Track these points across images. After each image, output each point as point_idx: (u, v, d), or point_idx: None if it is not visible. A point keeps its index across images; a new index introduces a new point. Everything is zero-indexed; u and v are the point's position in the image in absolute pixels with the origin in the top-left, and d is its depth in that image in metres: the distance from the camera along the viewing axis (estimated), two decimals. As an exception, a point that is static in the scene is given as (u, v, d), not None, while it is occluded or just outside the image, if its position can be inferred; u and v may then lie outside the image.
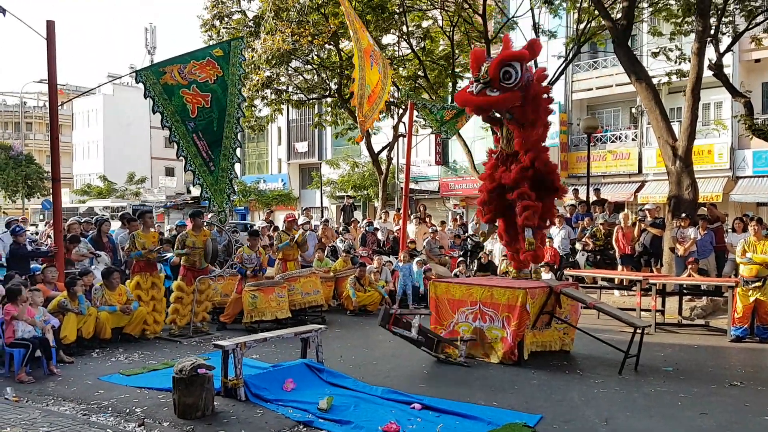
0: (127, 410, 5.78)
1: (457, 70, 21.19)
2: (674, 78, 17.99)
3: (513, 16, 20.69)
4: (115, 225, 13.41)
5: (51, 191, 10.44)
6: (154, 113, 8.88)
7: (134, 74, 9.14)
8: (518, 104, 7.64)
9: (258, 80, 20.54)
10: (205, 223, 10.20)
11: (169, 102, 8.76)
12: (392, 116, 23.50)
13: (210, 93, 9.00)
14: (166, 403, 5.88)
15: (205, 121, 8.94)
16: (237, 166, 9.52)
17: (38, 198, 39.00)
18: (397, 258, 13.64)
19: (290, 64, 21.37)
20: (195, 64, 8.96)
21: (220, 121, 9.04)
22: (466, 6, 19.63)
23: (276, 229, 13.66)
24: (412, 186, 23.34)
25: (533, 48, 7.83)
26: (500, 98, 7.50)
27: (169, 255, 10.52)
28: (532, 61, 8.39)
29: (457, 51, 20.73)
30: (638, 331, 7.34)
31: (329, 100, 23.64)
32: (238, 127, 9.26)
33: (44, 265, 9.28)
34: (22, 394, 6.24)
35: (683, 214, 12.46)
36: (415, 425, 5.29)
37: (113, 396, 6.23)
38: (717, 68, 15.58)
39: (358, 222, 17.90)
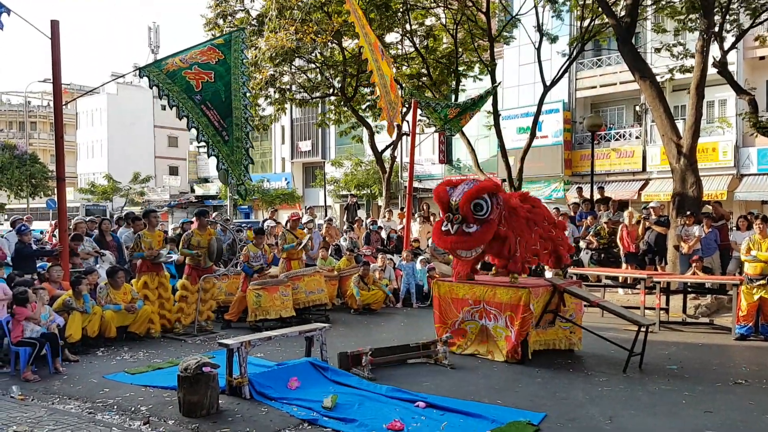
0: (132, 408, 5.80)
1: (460, 68, 21.18)
2: (678, 75, 17.94)
3: (516, 14, 20.66)
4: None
5: (56, 190, 10.48)
6: (161, 98, 8.98)
7: (137, 71, 9.20)
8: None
9: (261, 79, 20.57)
10: (209, 222, 10.23)
11: (173, 84, 8.82)
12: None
13: (212, 71, 9.03)
14: (171, 401, 5.89)
15: (212, 92, 8.92)
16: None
17: (42, 197, 39.10)
18: (400, 256, 13.66)
19: (293, 63, 21.40)
20: (196, 52, 9.08)
21: (227, 93, 9.02)
22: (469, 4, 19.61)
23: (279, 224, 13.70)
24: (415, 184, 23.36)
25: (495, 184, 7.89)
26: (481, 233, 7.46)
27: (174, 257, 10.54)
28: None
29: (460, 49, 20.72)
30: (642, 329, 7.33)
31: (333, 98, 23.67)
32: (246, 99, 9.24)
33: (49, 264, 9.31)
34: (27, 393, 6.26)
35: (687, 212, 12.43)
36: (420, 423, 5.29)
37: (118, 394, 6.25)
38: (721, 66, 15.56)
39: (362, 221, 17.92)
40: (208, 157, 9.42)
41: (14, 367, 7.07)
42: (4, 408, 5.60)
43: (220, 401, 5.75)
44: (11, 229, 11.14)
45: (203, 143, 9.11)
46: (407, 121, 21.51)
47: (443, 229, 7.71)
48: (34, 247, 10.35)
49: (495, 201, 7.54)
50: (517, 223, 7.87)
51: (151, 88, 9.00)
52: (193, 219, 10.30)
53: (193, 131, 9.23)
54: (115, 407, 5.85)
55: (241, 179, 9.08)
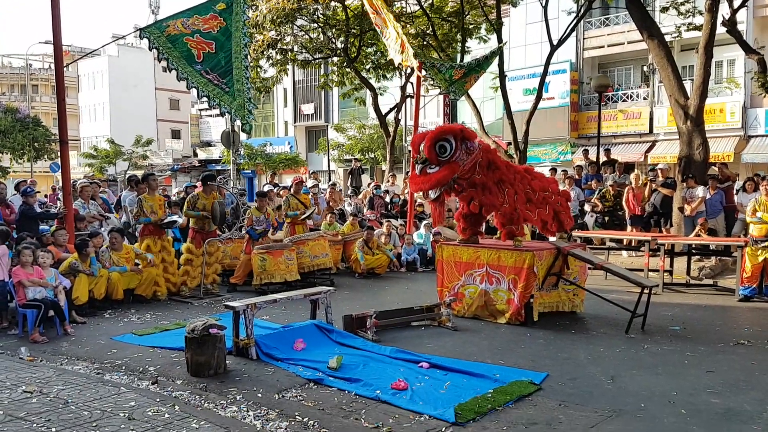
0: (141, 369, 5.88)
1: (467, 27, 20.79)
2: (686, 34, 17.60)
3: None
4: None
5: (59, 154, 10.46)
6: (159, 61, 9.02)
7: (138, 32, 9.11)
8: (466, 174, 7.60)
9: (263, 41, 20.28)
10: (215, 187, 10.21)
11: (173, 48, 8.90)
12: (400, 76, 23.21)
13: (214, 40, 9.13)
14: (178, 361, 5.97)
15: (212, 62, 9.09)
16: (241, 135, 9.65)
17: (45, 161, 38.99)
18: (404, 220, 13.69)
19: (295, 23, 21.06)
20: (198, 18, 9.05)
21: (227, 59, 9.20)
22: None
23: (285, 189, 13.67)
24: (420, 147, 23.13)
25: (462, 128, 7.79)
26: (441, 173, 7.51)
27: (179, 220, 10.54)
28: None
29: (466, 7, 20.33)
30: (646, 291, 7.35)
31: (335, 59, 23.36)
32: (246, 61, 9.35)
33: (54, 228, 9.35)
34: (36, 354, 6.34)
35: (689, 175, 12.37)
36: (423, 383, 5.35)
37: (126, 355, 6.33)
38: (730, 25, 15.24)
39: (370, 184, 17.88)
40: (210, 107, 9.72)
41: (22, 329, 7.17)
42: (13, 369, 5.68)
43: (227, 362, 5.82)
44: (15, 192, 11.17)
45: (204, 99, 9.32)
46: (411, 83, 21.25)
47: (415, 172, 7.86)
48: (39, 209, 10.37)
49: (464, 145, 7.55)
50: (505, 176, 7.87)
51: (150, 50, 9.00)
52: (197, 183, 10.30)
53: (194, 93, 9.30)
54: (124, 367, 5.94)
55: (246, 119, 9.37)
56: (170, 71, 8.99)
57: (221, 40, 9.13)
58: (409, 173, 15.44)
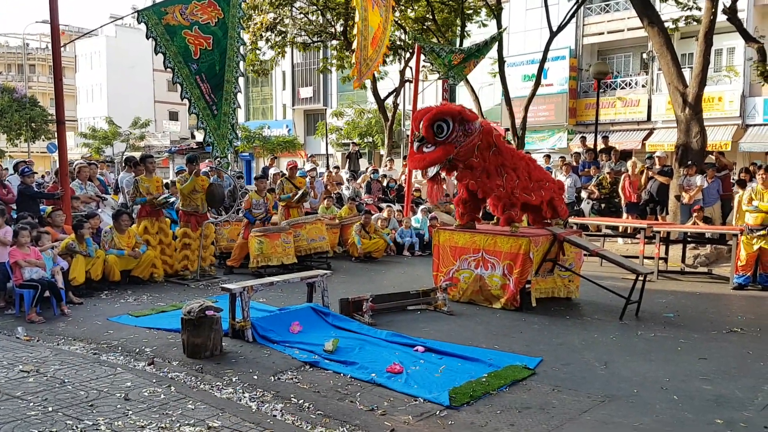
0: (137, 350, 5.90)
1: (466, 12, 20.67)
2: (685, 23, 17.52)
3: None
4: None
5: (56, 134, 10.42)
6: (156, 54, 8.85)
7: (136, 14, 9.00)
8: (462, 156, 7.62)
9: (261, 23, 20.13)
10: (210, 168, 10.19)
11: (171, 42, 8.71)
12: (399, 60, 23.10)
13: (211, 35, 8.97)
14: (175, 343, 6.00)
15: (207, 63, 8.93)
16: (239, 112, 9.53)
17: (43, 141, 38.83)
18: (401, 205, 13.69)
19: (294, 5, 20.90)
20: (196, 5, 8.87)
21: (221, 63, 9.06)
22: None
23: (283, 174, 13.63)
24: (418, 132, 23.08)
25: (460, 109, 7.71)
26: (434, 153, 7.54)
27: (172, 197, 10.52)
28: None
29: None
30: (640, 278, 7.38)
31: (335, 43, 23.21)
32: (239, 71, 9.24)
33: (51, 208, 9.33)
34: (33, 334, 6.36)
35: (689, 163, 12.39)
36: (418, 366, 5.39)
37: (122, 336, 6.36)
38: (731, 12, 15.18)
39: (367, 172, 17.82)
40: (197, 129, 9.56)
41: (19, 309, 7.18)
42: (10, 348, 5.70)
43: (223, 344, 5.85)
44: (13, 172, 11.13)
45: (194, 114, 9.17)
46: (410, 68, 21.15)
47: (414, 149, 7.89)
48: (36, 189, 10.35)
49: (461, 127, 7.53)
50: (507, 161, 7.89)
51: (148, 38, 8.77)
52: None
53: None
54: (120, 348, 5.96)
55: (225, 153, 9.28)
56: (167, 69, 8.91)
57: (218, 36, 9.00)
58: (404, 160, 15.46)
